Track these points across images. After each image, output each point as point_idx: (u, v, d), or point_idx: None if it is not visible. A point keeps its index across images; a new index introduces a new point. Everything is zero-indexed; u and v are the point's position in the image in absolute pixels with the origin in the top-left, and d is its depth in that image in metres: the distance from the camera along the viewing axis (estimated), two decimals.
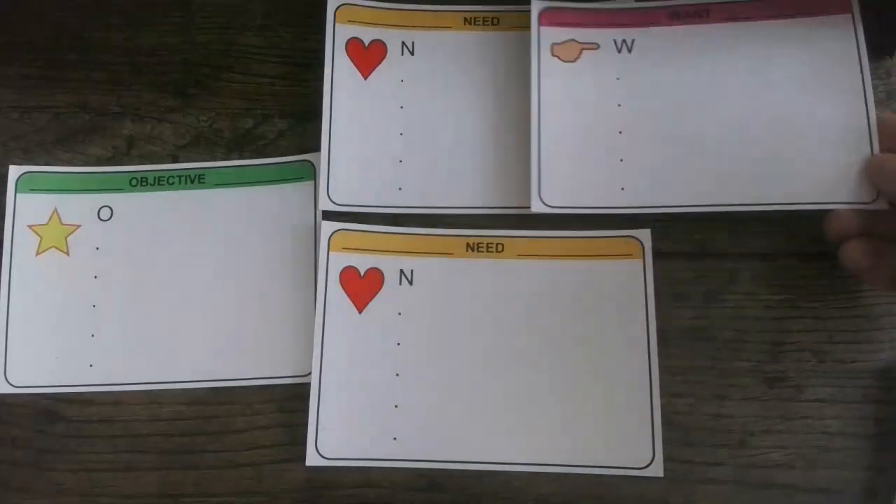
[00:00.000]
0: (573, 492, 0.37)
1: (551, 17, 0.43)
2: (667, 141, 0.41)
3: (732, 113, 0.41)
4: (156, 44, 0.45)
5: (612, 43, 0.43)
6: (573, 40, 0.43)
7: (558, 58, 0.42)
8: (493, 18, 0.44)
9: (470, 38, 0.44)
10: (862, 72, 0.41)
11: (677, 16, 0.43)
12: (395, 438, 0.37)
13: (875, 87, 0.43)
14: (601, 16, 0.43)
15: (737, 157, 0.40)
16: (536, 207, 0.40)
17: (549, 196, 0.40)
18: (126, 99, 0.44)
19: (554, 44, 0.43)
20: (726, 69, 0.42)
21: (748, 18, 0.42)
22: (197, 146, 0.43)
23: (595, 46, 0.43)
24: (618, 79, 0.42)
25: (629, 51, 0.42)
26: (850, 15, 0.42)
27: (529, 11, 0.44)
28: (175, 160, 0.42)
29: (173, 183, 0.42)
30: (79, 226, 0.41)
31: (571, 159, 0.41)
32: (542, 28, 0.43)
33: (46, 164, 0.42)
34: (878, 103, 0.43)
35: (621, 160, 0.41)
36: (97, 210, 0.41)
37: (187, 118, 0.43)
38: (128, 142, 0.43)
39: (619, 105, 0.42)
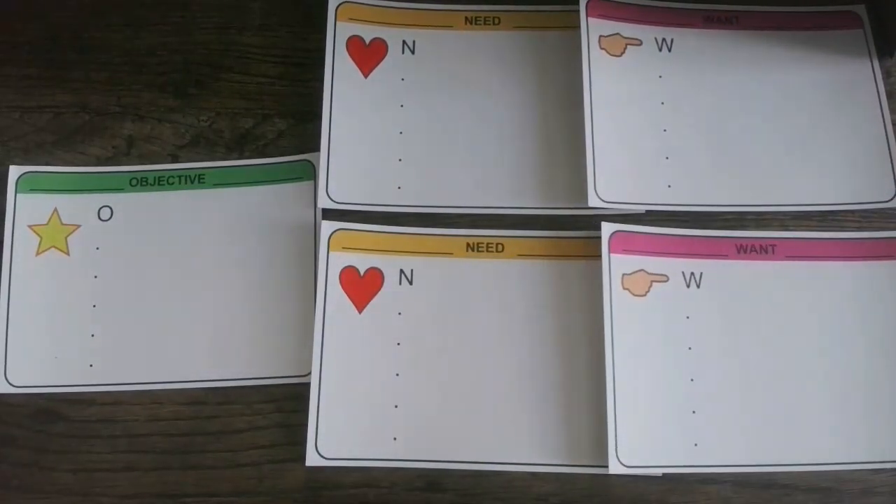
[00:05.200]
0: (573, 492, 0.37)
1: (597, 8, 0.43)
2: (706, 141, 0.42)
3: (760, 115, 0.42)
4: (156, 44, 0.45)
5: (654, 41, 0.44)
6: (618, 34, 0.43)
7: (605, 51, 0.43)
8: (494, 18, 0.44)
9: (471, 38, 0.44)
10: (875, 79, 0.43)
11: (711, 20, 0.44)
12: (395, 438, 0.37)
13: None
14: (643, 12, 0.44)
15: (764, 158, 0.41)
16: (593, 202, 0.40)
17: (604, 192, 0.40)
18: (126, 99, 0.44)
19: (601, 36, 0.43)
20: (754, 74, 0.43)
21: (772, 28, 0.44)
22: (197, 146, 0.43)
23: (638, 42, 0.43)
24: (660, 77, 0.43)
25: (669, 50, 0.43)
26: (861, 30, 0.44)
27: (530, 12, 0.44)
28: (175, 160, 0.42)
29: (173, 183, 0.42)
30: (79, 226, 0.41)
31: (622, 155, 0.41)
32: (591, 20, 0.43)
33: (46, 164, 0.42)
34: None
35: (667, 158, 0.41)
36: (97, 210, 0.41)
37: (187, 118, 0.43)
38: (128, 142, 0.43)
39: (663, 103, 0.42)
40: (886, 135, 0.42)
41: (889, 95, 0.43)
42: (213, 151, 0.43)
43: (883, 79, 0.43)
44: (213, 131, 0.43)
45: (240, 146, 0.43)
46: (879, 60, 0.43)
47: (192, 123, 0.43)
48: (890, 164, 0.41)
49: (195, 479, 0.37)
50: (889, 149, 0.41)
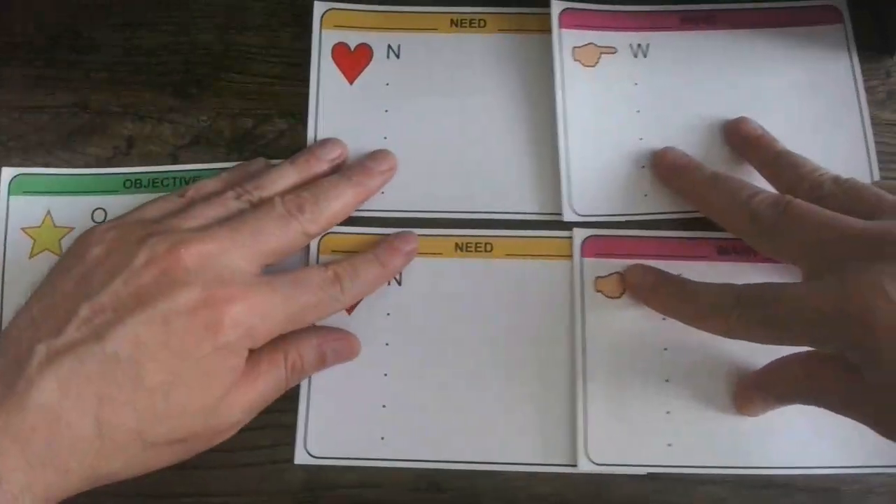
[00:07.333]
0: (572, 492, 0.37)
1: (570, 18, 0.43)
2: (683, 147, 0.41)
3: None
4: (156, 44, 0.45)
5: (629, 47, 0.43)
6: (592, 44, 0.43)
7: (580, 62, 0.42)
8: (479, 20, 0.44)
9: (456, 41, 0.44)
10: (854, 75, 0.42)
11: (687, 20, 0.43)
12: (382, 438, 0.37)
13: (874, 88, 0.43)
14: (618, 18, 0.43)
15: (742, 161, 0.41)
16: (568, 216, 0.40)
17: (579, 205, 0.40)
18: (126, 99, 0.44)
19: (575, 47, 0.43)
20: (732, 76, 0.42)
21: (751, 26, 0.43)
22: (197, 146, 0.43)
23: (613, 50, 0.43)
24: (636, 84, 0.42)
25: (644, 56, 0.43)
26: (841, 25, 0.43)
27: (516, 14, 0.44)
28: (175, 160, 0.42)
29: (168, 185, 0.42)
30: (72, 228, 0.41)
31: (597, 167, 0.41)
32: (563, 31, 0.43)
33: (46, 164, 0.42)
34: (878, 103, 0.43)
35: (643, 167, 0.41)
36: (91, 212, 0.41)
37: (187, 118, 0.43)
38: (128, 142, 0.43)
39: (638, 111, 0.42)
40: (864, 133, 0.41)
41: (889, 95, 0.43)
42: (213, 151, 0.43)
43: (861, 74, 0.42)
44: (213, 131, 0.43)
45: (240, 146, 0.43)
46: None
47: (192, 123, 0.43)
48: (867, 162, 0.41)
49: (194, 479, 0.38)
50: (867, 148, 0.41)
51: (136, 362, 0.31)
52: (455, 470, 0.37)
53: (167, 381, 0.31)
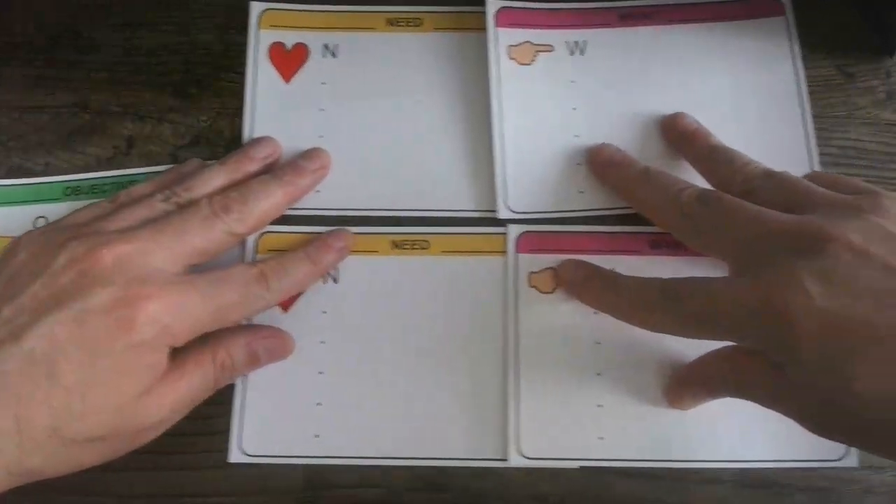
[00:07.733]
0: (574, 492, 0.37)
1: (507, 17, 0.43)
2: (619, 144, 0.41)
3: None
4: (156, 44, 0.45)
5: (566, 45, 0.43)
6: (528, 42, 0.43)
7: (515, 61, 0.42)
8: (415, 19, 0.44)
9: (393, 40, 0.44)
10: (795, 69, 0.42)
11: (626, 17, 0.43)
12: (316, 436, 0.37)
13: (875, 88, 0.43)
14: (555, 16, 0.43)
15: (679, 157, 0.41)
16: (503, 214, 0.40)
17: (515, 203, 0.40)
18: (126, 99, 0.44)
19: (510, 46, 0.43)
20: (671, 73, 0.42)
21: (691, 21, 0.43)
22: (197, 146, 0.43)
23: (550, 48, 0.43)
24: (572, 82, 0.42)
25: (582, 53, 0.43)
26: (783, 17, 0.43)
27: (452, 13, 0.44)
28: (175, 160, 0.42)
29: (107, 191, 0.42)
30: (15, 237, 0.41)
31: (532, 165, 0.41)
32: (499, 30, 0.43)
33: (47, 164, 0.42)
34: (878, 103, 0.43)
35: (578, 164, 0.41)
36: (33, 221, 0.41)
37: (187, 118, 0.43)
38: (128, 142, 0.43)
39: (575, 109, 0.42)
40: (805, 125, 0.41)
41: (889, 95, 0.43)
42: (213, 151, 0.43)
43: (803, 67, 0.42)
44: (213, 131, 0.43)
45: (239, 146, 0.43)
46: (880, 60, 0.43)
47: (192, 123, 0.43)
48: (808, 155, 0.41)
49: (194, 480, 0.38)
50: (807, 140, 0.41)
51: (52, 361, 0.31)
52: (455, 470, 0.37)
53: (83, 379, 0.31)
